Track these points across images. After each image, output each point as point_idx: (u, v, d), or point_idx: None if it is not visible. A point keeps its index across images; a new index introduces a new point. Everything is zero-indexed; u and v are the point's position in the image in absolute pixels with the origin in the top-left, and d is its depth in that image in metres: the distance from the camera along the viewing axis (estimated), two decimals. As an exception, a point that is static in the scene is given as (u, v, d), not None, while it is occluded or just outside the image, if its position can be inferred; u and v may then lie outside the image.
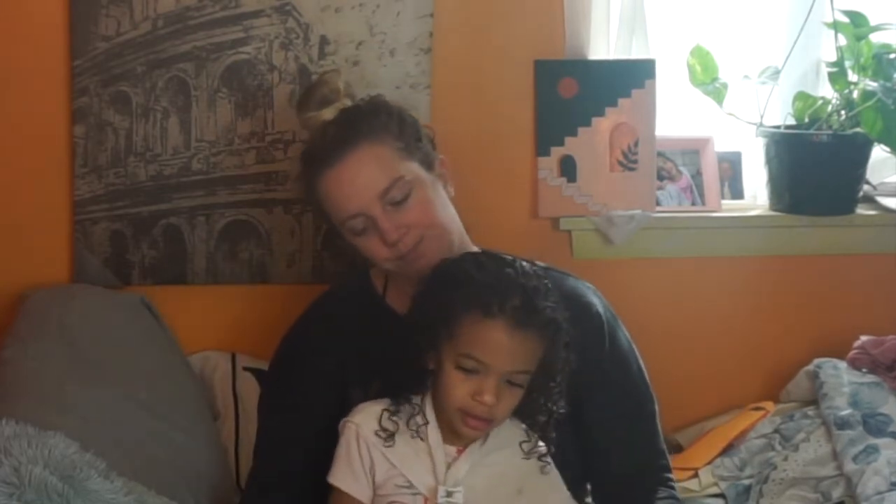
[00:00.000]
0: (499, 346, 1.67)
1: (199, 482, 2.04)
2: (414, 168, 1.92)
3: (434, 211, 1.93)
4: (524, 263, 1.77)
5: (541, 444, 1.79)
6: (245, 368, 2.39)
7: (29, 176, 2.34)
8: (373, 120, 1.93)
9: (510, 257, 1.78)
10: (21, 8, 2.29)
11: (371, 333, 1.95)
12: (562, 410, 1.79)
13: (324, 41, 2.38)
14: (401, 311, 1.96)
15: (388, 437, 1.72)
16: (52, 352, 2.07)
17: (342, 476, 1.74)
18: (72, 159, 2.34)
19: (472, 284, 1.71)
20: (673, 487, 2.00)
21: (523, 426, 1.79)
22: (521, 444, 1.78)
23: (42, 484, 1.58)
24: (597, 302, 2.04)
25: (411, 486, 1.71)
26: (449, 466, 1.72)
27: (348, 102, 1.99)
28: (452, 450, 1.74)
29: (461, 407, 1.69)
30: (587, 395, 1.92)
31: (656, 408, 2.04)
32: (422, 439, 1.73)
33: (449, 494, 1.69)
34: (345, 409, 1.90)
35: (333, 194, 1.92)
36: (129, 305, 2.32)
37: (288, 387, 1.98)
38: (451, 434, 1.73)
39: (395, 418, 1.73)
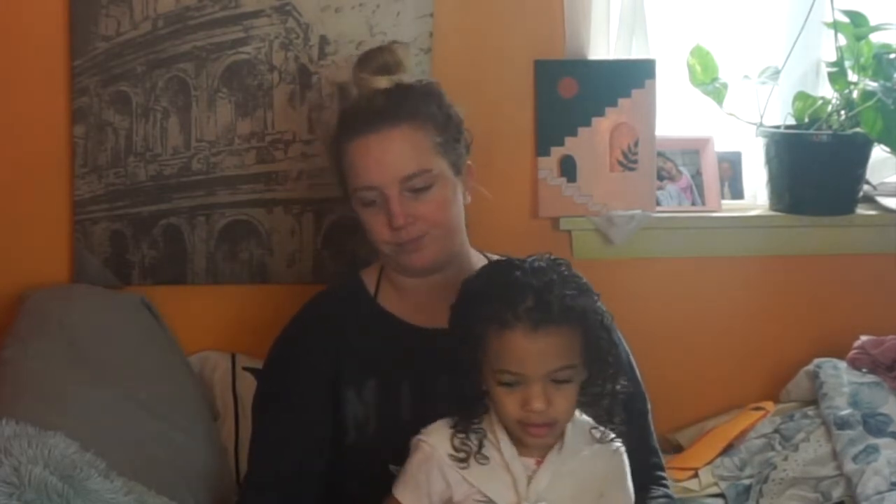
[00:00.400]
0: (526, 353, 1.64)
1: (198, 482, 2.04)
2: (443, 165, 1.92)
3: (447, 212, 1.92)
4: (536, 261, 1.72)
5: (611, 434, 1.75)
6: (245, 368, 2.39)
7: (29, 176, 2.34)
8: (422, 105, 1.92)
9: (521, 259, 1.74)
10: (21, 8, 2.29)
11: (364, 333, 1.95)
12: (623, 389, 1.75)
13: (324, 41, 2.38)
14: (392, 311, 1.97)
15: (463, 459, 1.69)
16: (52, 352, 2.07)
17: (404, 491, 1.72)
18: (72, 159, 2.34)
19: (486, 299, 1.68)
20: (666, 486, 2.01)
21: (590, 420, 1.75)
22: (590, 430, 1.74)
23: (42, 484, 1.58)
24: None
25: (491, 501, 1.68)
26: (530, 480, 1.68)
27: (405, 79, 1.96)
28: (531, 462, 1.70)
29: (517, 419, 1.66)
30: None
31: (649, 406, 2.04)
32: (497, 456, 1.69)
33: None
34: (339, 408, 1.91)
35: (359, 161, 1.90)
36: (129, 305, 2.32)
37: (282, 387, 1.98)
38: (524, 446, 1.70)
39: (467, 442, 1.70)
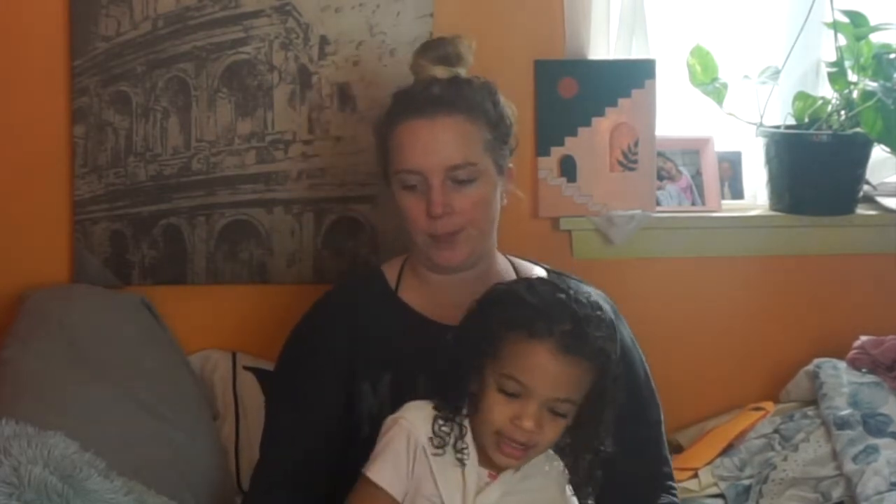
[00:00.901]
0: (543, 370, 1.61)
1: (198, 482, 2.04)
2: (489, 163, 1.92)
3: (485, 211, 1.93)
4: (582, 292, 1.71)
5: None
6: (245, 368, 2.39)
7: (29, 176, 2.34)
8: (478, 100, 1.93)
9: (566, 284, 1.73)
10: (21, 8, 2.29)
11: (383, 326, 1.94)
12: (608, 450, 1.73)
13: (324, 41, 2.38)
14: (413, 305, 1.96)
15: (440, 446, 1.66)
16: (52, 352, 2.07)
17: (382, 471, 1.66)
18: (72, 159, 2.34)
19: (521, 306, 1.65)
20: (675, 495, 2.01)
21: (562, 466, 1.73)
22: (563, 483, 1.71)
23: (42, 484, 1.58)
24: (607, 309, 2.03)
25: (441, 501, 1.65)
26: (479, 491, 1.66)
27: (462, 73, 1.97)
28: (485, 473, 1.68)
29: (499, 429, 1.62)
30: None
31: (662, 416, 2.04)
32: (462, 459, 1.67)
33: None
34: (353, 403, 1.90)
35: (407, 143, 1.90)
36: (129, 305, 2.32)
37: (297, 379, 1.97)
38: (487, 458, 1.67)
39: (447, 429, 1.67)
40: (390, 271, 2.04)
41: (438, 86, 1.93)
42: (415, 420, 1.69)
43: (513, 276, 2.02)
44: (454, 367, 1.68)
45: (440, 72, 1.95)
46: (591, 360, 1.64)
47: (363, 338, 1.94)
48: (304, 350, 1.99)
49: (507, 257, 2.06)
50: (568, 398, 1.63)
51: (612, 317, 1.85)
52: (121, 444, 1.87)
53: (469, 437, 1.67)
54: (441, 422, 1.67)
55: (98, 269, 2.38)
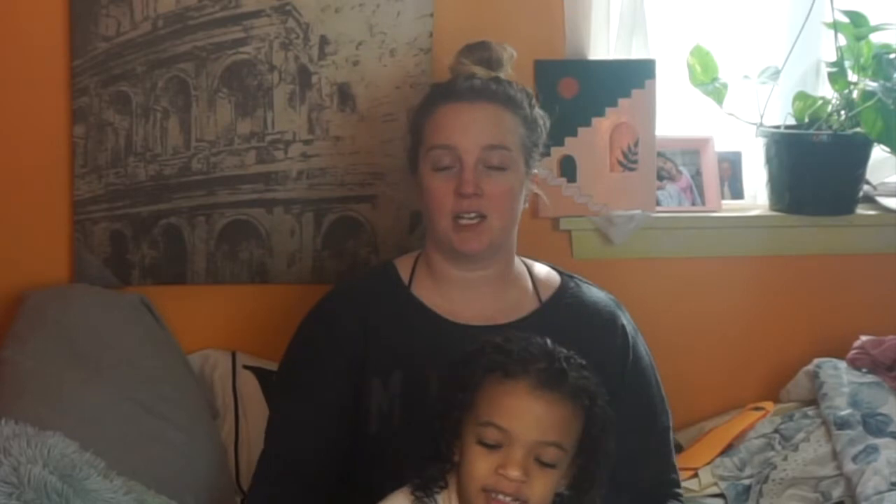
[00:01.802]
0: (521, 411, 1.51)
1: (198, 481, 2.04)
2: (520, 158, 1.96)
3: (510, 203, 1.94)
4: (558, 344, 1.61)
5: None
6: (245, 367, 2.39)
7: (29, 176, 2.34)
8: (518, 98, 1.98)
9: (545, 339, 1.62)
10: (21, 8, 2.29)
11: (394, 322, 1.94)
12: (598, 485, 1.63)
13: (324, 41, 2.38)
14: (426, 302, 1.96)
15: None
16: (51, 352, 2.07)
17: None
18: (72, 159, 2.34)
19: (497, 351, 1.57)
20: (682, 502, 2.01)
21: None
22: None
23: (41, 483, 1.58)
24: (621, 315, 2.04)
25: None
26: None
27: (501, 77, 2.02)
28: None
29: (484, 485, 1.51)
30: None
31: (671, 423, 2.04)
32: None
33: None
34: (362, 397, 1.89)
35: (446, 121, 1.94)
36: (129, 305, 2.32)
37: (305, 371, 1.96)
38: None
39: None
40: (403, 267, 2.03)
41: (480, 80, 1.98)
42: None
43: (527, 279, 2.02)
44: (439, 426, 1.59)
45: (480, 72, 1.99)
46: (573, 398, 1.54)
47: (374, 332, 1.93)
48: (312, 341, 1.98)
49: (522, 259, 2.06)
50: (554, 442, 1.52)
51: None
52: (120, 443, 1.87)
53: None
54: (421, 499, 1.59)
55: (98, 269, 2.37)
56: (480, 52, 2.01)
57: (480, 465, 1.52)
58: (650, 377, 2.02)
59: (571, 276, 2.06)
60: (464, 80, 1.98)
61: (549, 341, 1.61)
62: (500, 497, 1.51)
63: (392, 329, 1.93)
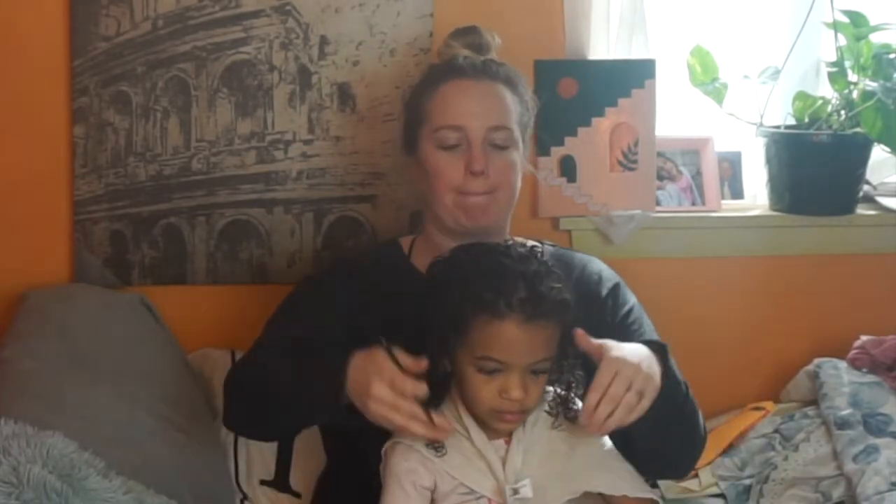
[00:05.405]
0: (514, 343, 1.65)
1: (198, 482, 2.03)
2: (518, 136, 2.04)
3: (514, 177, 2.03)
4: (519, 246, 1.76)
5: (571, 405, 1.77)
6: (245, 368, 2.39)
7: (29, 176, 2.34)
8: (514, 78, 2.07)
9: (503, 244, 1.77)
10: (21, 8, 2.29)
11: (392, 287, 1.96)
12: (580, 372, 1.75)
13: (324, 41, 2.39)
14: (423, 270, 1.96)
15: (440, 446, 1.69)
16: (51, 352, 2.07)
17: (393, 499, 1.69)
18: (72, 159, 2.34)
19: (473, 284, 1.67)
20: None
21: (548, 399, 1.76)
22: (547, 413, 1.75)
23: (41, 483, 1.58)
24: (604, 268, 2.12)
25: (473, 491, 1.68)
26: (504, 462, 1.70)
27: (492, 58, 2.09)
28: (500, 444, 1.71)
29: (492, 407, 1.67)
30: None
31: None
32: (468, 444, 1.70)
33: (516, 492, 1.67)
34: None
35: (453, 100, 2.01)
36: (129, 305, 2.32)
37: (303, 307, 2.01)
38: (492, 430, 1.71)
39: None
40: (405, 241, 2.14)
41: (479, 60, 2.05)
42: (410, 437, 1.69)
43: None
44: (430, 355, 1.69)
45: (471, 55, 2.06)
46: (556, 314, 1.68)
47: (372, 294, 1.98)
48: (313, 288, 2.05)
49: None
50: (545, 357, 1.68)
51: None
52: (120, 443, 1.87)
53: (469, 422, 1.71)
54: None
55: (98, 269, 2.38)
56: (470, 37, 2.08)
57: (484, 391, 1.67)
58: (644, 322, 2.07)
59: (554, 245, 2.15)
60: (464, 58, 2.05)
61: (515, 253, 1.72)
62: (509, 413, 1.67)
63: (390, 294, 1.94)
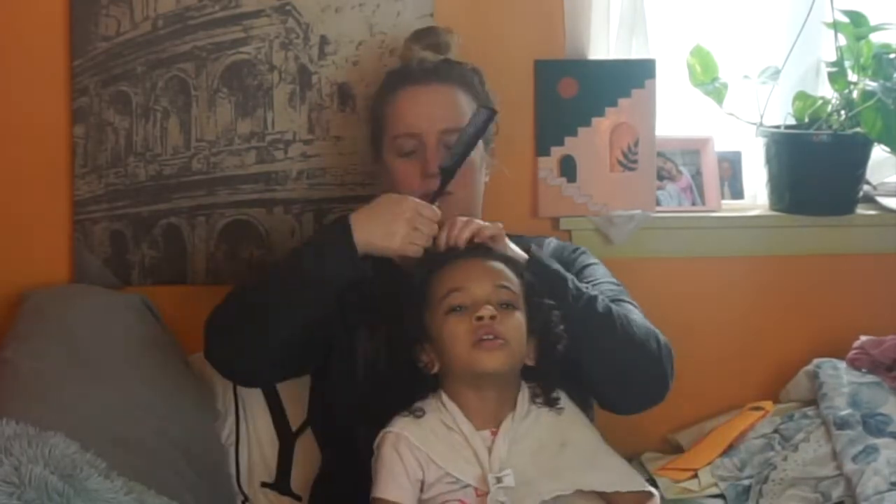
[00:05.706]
0: (472, 277, 1.75)
1: (198, 482, 2.03)
2: None
3: (471, 174, 2.08)
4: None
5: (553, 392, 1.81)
6: (245, 368, 2.39)
7: (29, 176, 2.34)
8: (469, 78, 2.14)
9: None
10: (21, 8, 2.29)
11: (379, 273, 1.96)
12: (560, 332, 1.80)
13: (324, 41, 2.39)
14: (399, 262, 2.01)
15: (419, 411, 1.75)
16: (52, 352, 2.07)
17: (384, 487, 1.72)
18: (72, 159, 2.34)
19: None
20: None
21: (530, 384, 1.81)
22: (528, 390, 1.79)
23: (42, 483, 1.58)
24: (555, 239, 2.20)
25: (458, 480, 1.71)
26: (490, 451, 1.72)
27: (451, 58, 2.16)
28: (487, 433, 1.74)
29: (471, 343, 1.71)
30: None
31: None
32: (455, 434, 1.74)
33: (499, 480, 1.69)
34: (350, 342, 1.97)
35: (404, 108, 2.07)
36: (129, 305, 2.32)
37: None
38: (480, 419, 1.74)
39: (425, 420, 1.76)
40: None
41: (432, 62, 2.11)
42: (401, 427, 1.75)
43: None
44: (407, 319, 1.79)
45: (429, 56, 2.12)
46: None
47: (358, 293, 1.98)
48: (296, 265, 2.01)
49: None
50: (502, 286, 1.76)
51: None
52: (121, 443, 1.87)
53: (454, 410, 1.75)
54: (419, 414, 1.75)
55: (98, 269, 2.38)
56: (428, 38, 2.15)
57: (459, 329, 1.73)
58: (601, 276, 2.10)
59: (532, 238, 2.14)
60: (418, 63, 2.11)
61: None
62: (486, 339, 1.71)
63: (375, 280, 1.95)
